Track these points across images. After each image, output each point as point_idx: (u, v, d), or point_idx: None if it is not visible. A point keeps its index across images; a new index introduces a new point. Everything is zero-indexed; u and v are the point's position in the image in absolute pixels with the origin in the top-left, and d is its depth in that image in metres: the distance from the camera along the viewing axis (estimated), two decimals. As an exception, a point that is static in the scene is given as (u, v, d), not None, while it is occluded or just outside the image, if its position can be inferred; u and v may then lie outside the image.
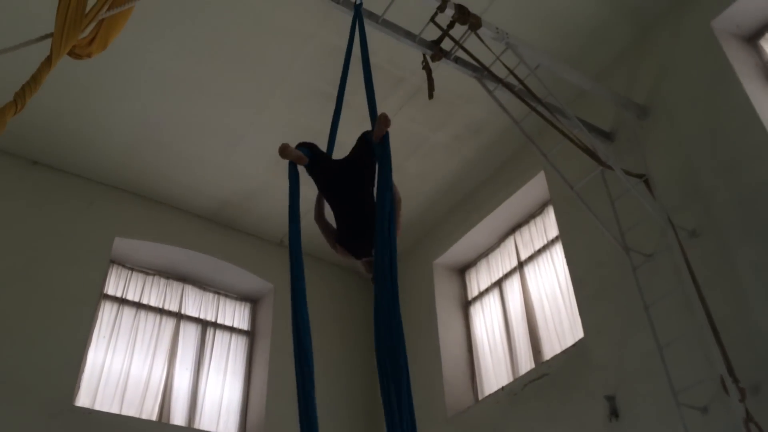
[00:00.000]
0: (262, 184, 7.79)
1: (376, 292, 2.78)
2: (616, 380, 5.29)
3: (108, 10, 3.07)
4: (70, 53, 2.94)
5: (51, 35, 2.84)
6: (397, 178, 7.64)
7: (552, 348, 6.44)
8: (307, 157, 3.51)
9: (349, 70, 4.30)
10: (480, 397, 7.03)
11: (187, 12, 5.91)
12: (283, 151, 3.42)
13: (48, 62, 2.75)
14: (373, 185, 3.44)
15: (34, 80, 2.68)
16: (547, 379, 5.97)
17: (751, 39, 5.66)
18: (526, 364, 6.65)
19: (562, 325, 6.43)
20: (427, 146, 7.36)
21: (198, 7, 5.90)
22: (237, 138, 7.18)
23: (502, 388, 6.48)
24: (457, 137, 7.26)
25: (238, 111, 6.89)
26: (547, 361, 6.21)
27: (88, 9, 2.98)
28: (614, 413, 5.19)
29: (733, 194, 4.97)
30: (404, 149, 7.33)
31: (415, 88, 6.61)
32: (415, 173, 7.70)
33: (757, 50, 5.62)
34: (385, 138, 3.21)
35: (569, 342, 6.15)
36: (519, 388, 6.24)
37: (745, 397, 4.19)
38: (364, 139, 3.52)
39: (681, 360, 4.70)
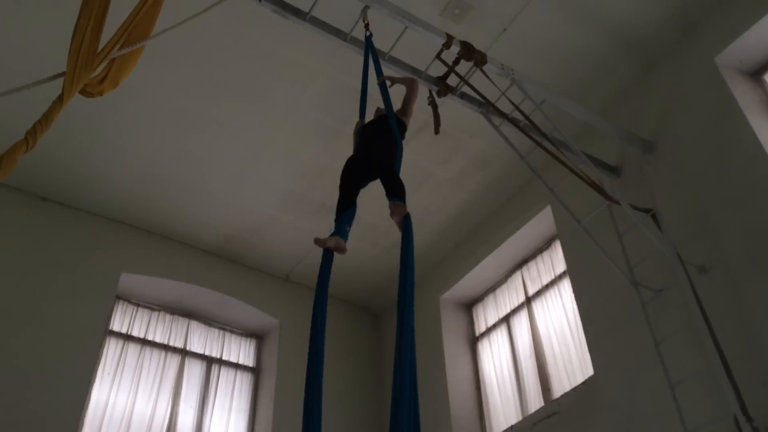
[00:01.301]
0: (268, 220, 7.80)
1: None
2: (627, 419, 5.18)
3: (120, 49, 3.12)
4: (82, 91, 2.98)
5: (63, 74, 2.87)
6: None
7: (561, 385, 6.34)
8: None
9: (367, 95, 4.62)
10: (488, 436, 6.91)
11: (195, 49, 6.00)
12: (319, 243, 3.68)
13: (60, 101, 2.78)
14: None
15: (46, 119, 2.71)
16: (557, 418, 5.87)
17: (755, 74, 5.70)
18: (535, 401, 6.55)
19: (572, 361, 6.34)
20: (434, 181, 7.38)
21: (206, 44, 5.98)
22: (243, 173, 7.22)
23: (511, 426, 6.38)
24: (464, 171, 7.28)
25: (245, 146, 6.94)
26: (557, 399, 6.11)
27: (100, 48, 3.03)
28: (626, 453, 5.08)
29: (741, 229, 4.94)
30: (411, 183, 7.23)
31: (421, 123, 6.64)
32: (421, 207, 7.69)
33: (761, 85, 5.65)
34: (406, 223, 3.44)
35: (579, 379, 6.06)
36: (528, 428, 6.13)
37: (760, 437, 4.10)
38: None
39: (693, 398, 4.61)
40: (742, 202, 5.01)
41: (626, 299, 5.43)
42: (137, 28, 3.24)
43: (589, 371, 5.84)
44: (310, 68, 6.23)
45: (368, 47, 4.72)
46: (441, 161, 7.13)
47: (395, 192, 3.77)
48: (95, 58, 2.96)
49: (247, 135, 6.81)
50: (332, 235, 3.74)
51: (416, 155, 7.01)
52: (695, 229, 5.28)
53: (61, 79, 2.89)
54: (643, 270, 5.31)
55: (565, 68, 6.24)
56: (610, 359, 5.57)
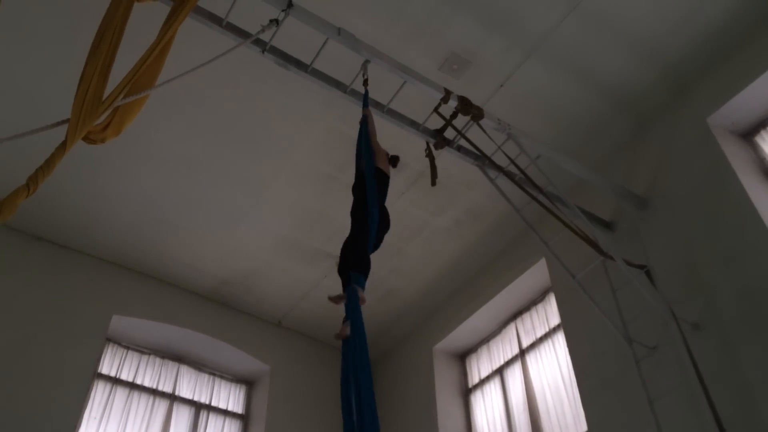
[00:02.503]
0: (262, 264, 7.80)
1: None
2: (621, 479, 5.11)
3: (125, 97, 3.18)
4: (84, 138, 3.02)
5: (67, 121, 2.92)
6: (398, 261, 7.68)
7: (555, 441, 6.26)
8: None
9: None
10: (480, 492, 6.77)
11: (195, 96, 6.09)
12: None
13: (62, 147, 2.82)
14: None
15: (48, 165, 2.74)
16: (549, 475, 5.77)
17: (747, 135, 5.80)
18: (528, 457, 6.45)
19: (566, 417, 6.27)
20: (429, 231, 7.41)
21: (205, 91, 6.08)
22: (239, 218, 7.25)
23: (503, 482, 6.26)
24: (459, 222, 7.33)
25: (242, 191, 6.98)
26: (550, 455, 6.02)
27: (104, 96, 3.09)
28: None
29: (734, 287, 4.96)
30: (406, 233, 7.38)
31: (417, 173, 6.73)
32: (416, 257, 7.72)
33: (753, 147, 5.74)
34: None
35: (572, 435, 5.99)
36: (521, 484, 6.02)
37: (755, 501, 4.04)
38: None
39: (688, 459, 4.56)
40: (734, 260, 5.04)
41: (620, 355, 5.40)
42: (143, 78, 3.31)
43: (583, 427, 5.78)
44: (307, 116, 6.32)
45: (365, 104, 4.90)
46: (436, 211, 7.18)
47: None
48: (100, 106, 3.01)
49: (244, 181, 6.87)
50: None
51: (412, 205, 7.07)
52: (689, 286, 5.29)
53: (64, 126, 2.94)
54: (638, 326, 5.30)
55: (561, 124, 6.35)
56: (604, 416, 5.51)
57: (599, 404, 5.59)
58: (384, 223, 4.41)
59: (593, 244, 5.30)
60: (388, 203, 4.64)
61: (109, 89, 3.16)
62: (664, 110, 6.18)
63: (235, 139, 6.47)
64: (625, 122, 6.35)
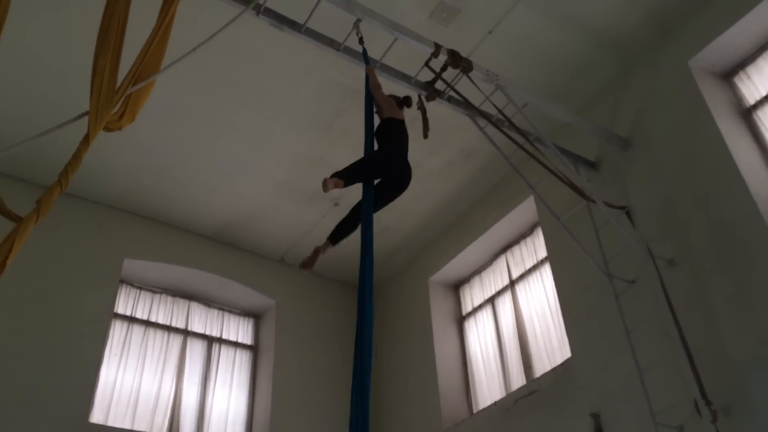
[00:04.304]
0: (263, 206, 8.13)
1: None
2: (600, 399, 5.66)
3: (134, 85, 3.40)
4: (104, 128, 3.27)
5: (87, 113, 3.16)
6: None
7: (542, 364, 6.80)
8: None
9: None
10: (475, 411, 7.40)
11: (195, 53, 6.18)
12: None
13: (86, 141, 3.08)
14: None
15: (75, 159, 3.01)
16: (536, 396, 6.34)
17: (726, 76, 6.02)
18: (517, 379, 7.02)
19: (552, 342, 6.80)
20: (422, 171, 7.69)
21: (204, 49, 6.18)
22: (239, 165, 7.52)
23: (495, 403, 6.85)
24: (451, 162, 7.62)
25: (241, 140, 7.22)
26: (537, 378, 6.57)
27: (117, 86, 3.31)
28: (599, 430, 5.56)
29: (707, 226, 5.34)
30: (401, 174, 7.65)
31: (411, 118, 6.83)
32: (410, 195, 7.89)
33: (732, 87, 5.98)
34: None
35: (558, 359, 6.52)
36: (511, 404, 6.61)
37: (717, 419, 4.55)
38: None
39: (659, 383, 5.06)
40: (708, 201, 5.40)
41: (601, 289, 5.84)
42: (148, 63, 3.51)
43: (567, 353, 6.30)
44: (302, 68, 6.49)
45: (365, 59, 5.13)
46: (429, 153, 7.44)
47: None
48: (114, 97, 3.24)
49: (242, 129, 7.09)
50: None
51: (406, 147, 7.31)
52: (666, 224, 5.67)
53: (85, 119, 3.18)
54: (618, 262, 5.71)
55: (548, 68, 6.53)
56: (585, 344, 6.02)
57: (582, 333, 6.09)
58: (401, 179, 4.80)
59: (576, 189, 5.62)
60: None
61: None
62: (648, 52, 6.36)
63: (232, 91, 6.66)
64: (610, 64, 6.54)
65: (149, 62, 3.51)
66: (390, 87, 5.82)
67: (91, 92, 3.17)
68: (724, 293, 5.04)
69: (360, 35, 5.04)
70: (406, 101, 5.28)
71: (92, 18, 3.65)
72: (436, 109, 6.02)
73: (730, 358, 4.81)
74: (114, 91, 3.24)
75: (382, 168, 4.63)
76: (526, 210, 7.39)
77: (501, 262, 7.96)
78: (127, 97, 3.39)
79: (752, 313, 4.79)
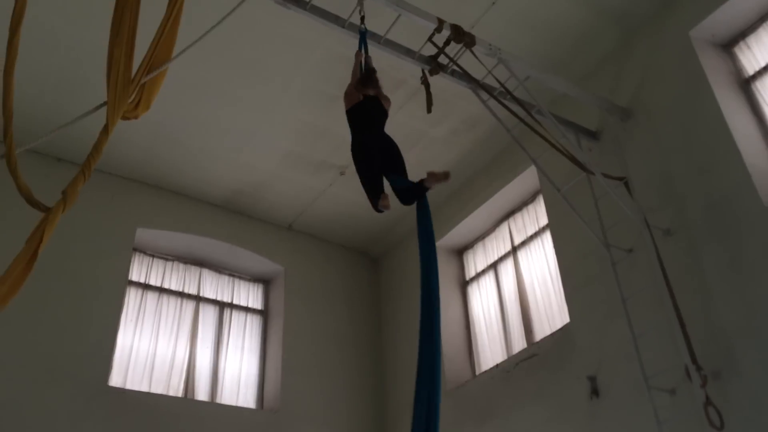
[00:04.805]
0: (271, 176, 8.30)
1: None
2: (597, 363, 5.91)
3: (148, 74, 3.54)
4: (122, 117, 3.42)
5: (105, 104, 3.32)
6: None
7: (542, 328, 7.05)
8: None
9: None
10: (477, 372, 7.69)
11: (201, 25, 6.30)
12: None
13: (105, 132, 3.24)
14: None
15: (96, 150, 3.17)
16: (536, 359, 6.61)
17: (726, 46, 6.08)
18: (518, 342, 7.29)
19: (552, 308, 7.03)
20: (427, 139, 7.83)
21: (211, 21, 6.28)
22: (247, 136, 7.67)
23: (497, 365, 7.13)
24: (455, 131, 7.74)
25: (248, 112, 7.35)
26: (537, 342, 6.83)
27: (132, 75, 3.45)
28: (595, 392, 5.83)
29: (703, 197, 5.49)
30: (406, 143, 7.69)
31: (415, 89, 7.04)
32: (415, 163, 8.02)
33: (732, 57, 6.05)
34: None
35: (557, 324, 6.77)
36: (512, 366, 6.88)
37: (706, 384, 4.80)
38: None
39: (652, 348, 5.30)
40: (705, 172, 5.54)
41: (599, 258, 6.03)
42: (161, 51, 3.64)
43: (566, 318, 6.53)
44: (307, 41, 6.57)
45: (362, 41, 5.18)
46: (434, 122, 7.55)
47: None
48: (129, 87, 3.39)
49: (250, 101, 7.21)
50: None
51: (410, 117, 7.44)
52: (663, 195, 5.82)
53: (103, 109, 3.33)
54: (616, 232, 5.89)
55: (549, 38, 6.60)
56: (584, 310, 6.24)
57: (580, 300, 6.32)
58: (377, 147, 4.89)
59: (576, 162, 5.76)
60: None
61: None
62: (649, 22, 6.41)
63: (240, 65, 6.76)
64: (611, 34, 6.60)
65: (161, 50, 3.64)
66: (394, 62, 5.94)
67: (108, 83, 3.31)
68: (717, 263, 5.22)
69: (362, 14, 5.10)
70: (364, 80, 4.86)
71: None
72: (440, 79, 6.11)
73: (720, 326, 5.03)
74: (129, 81, 3.38)
75: (363, 165, 4.75)
76: (528, 178, 7.54)
77: (504, 228, 8.15)
78: (142, 86, 3.53)
79: (743, 282, 4.99)
